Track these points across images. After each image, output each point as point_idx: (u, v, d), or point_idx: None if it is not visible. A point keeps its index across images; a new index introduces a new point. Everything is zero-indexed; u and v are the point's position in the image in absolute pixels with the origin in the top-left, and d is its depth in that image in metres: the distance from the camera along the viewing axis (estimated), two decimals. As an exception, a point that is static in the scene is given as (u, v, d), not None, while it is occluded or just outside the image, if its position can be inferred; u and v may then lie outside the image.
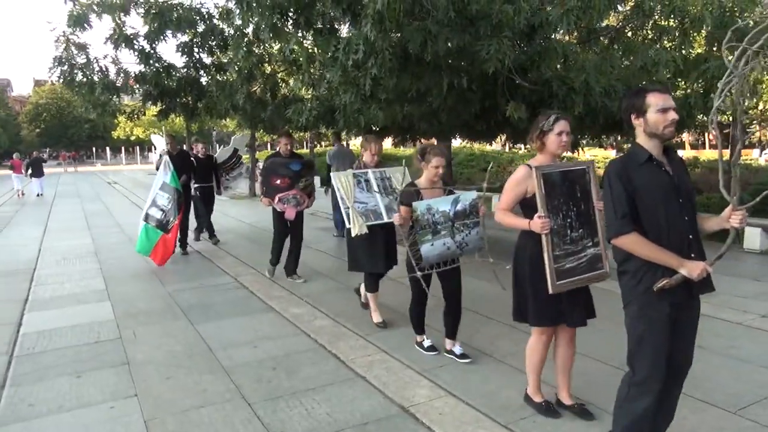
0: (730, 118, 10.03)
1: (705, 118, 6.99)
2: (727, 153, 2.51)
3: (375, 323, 4.80)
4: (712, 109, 2.20)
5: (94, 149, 63.22)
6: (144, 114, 9.90)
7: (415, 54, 5.23)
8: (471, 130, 8.47)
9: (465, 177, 17.87)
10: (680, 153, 3.88)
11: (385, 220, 4.58)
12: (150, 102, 8.91)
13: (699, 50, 7.34)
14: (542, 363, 3.18)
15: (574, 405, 3.16)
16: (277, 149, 6.38)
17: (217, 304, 5.61)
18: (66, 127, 59.25)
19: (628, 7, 6.88)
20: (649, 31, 6.90)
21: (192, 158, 8.83)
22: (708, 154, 21.08)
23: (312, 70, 6.42)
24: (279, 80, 8.74)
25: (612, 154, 23.30)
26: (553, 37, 6.11)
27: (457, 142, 18.72)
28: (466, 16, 5.18)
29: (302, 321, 4.99)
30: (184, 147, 11.98)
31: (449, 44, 5.30)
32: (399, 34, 5.26)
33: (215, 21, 8.28)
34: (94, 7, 7.39)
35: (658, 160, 2.35)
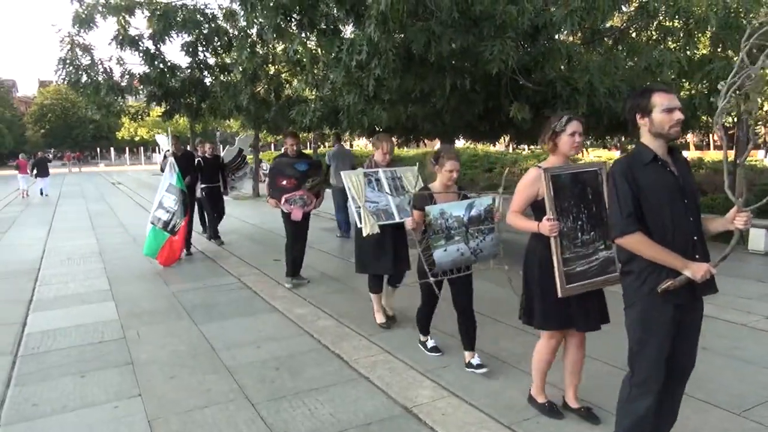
0: (735, 119, 9.99)
1: (709, 119, 6.96)
2: (732, 154, 2.50)
3: (378, 324, 4.80)
4: (717, 110, 2.19)
5: (98, 150, 63.47)
6: (148, 115, 9.92)
7: (418, 55, 5.23)
8: (474, 131, 8.48)
9: (468, 178, 17.84)
10: (685, 154, 3.86)
11: (397, 220, 4.51)
12: (154, 103, 8.93)
13: (704, 51, 7.32)
14: (548, 366, 3.16)
15: (581, 408, 3.15)
16: (284, 149, 6.27)
17: (220, 305, 5.62)
18: (71, 127, 59.52)
19: (632, 8, 6.86)
20: (653, 32, 6.88)
21: (199, 158, 8.85)
22: (712, 155, 20.98)
23: (315, 71, 6.43)
24: (283, 81, 8.76)
25: (616, 155, 23.23)
26: (557, 37, 6.11)
27: (460, 143, 18.72)
28: (469, 17, 5.18)
29: (306, 321, 5.00)
30: (189, 148, 11.99)
31: (453, 45, 5.30)
32: (402, 35, 5.26)
33: (219, 22, 8.29)
34: (99, 8, 7.41)
35: (663, 160, 2.34)
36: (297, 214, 5.96)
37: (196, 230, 9.01)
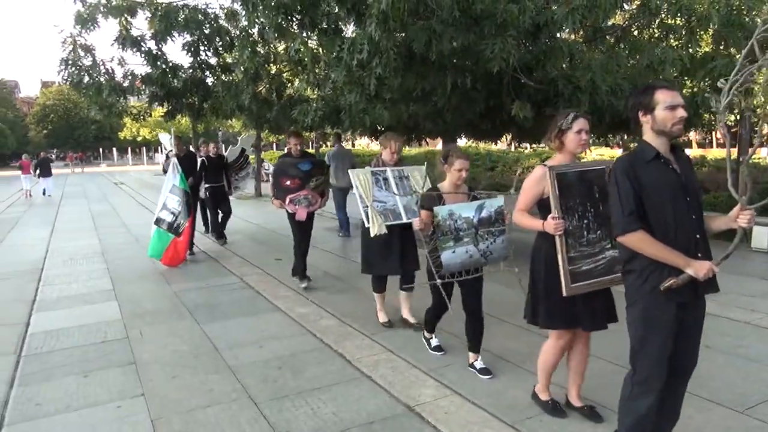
0: (738, 117, 9.97)
1: (712, 117, 6.95)
2: (734, 151, 2.49)
3: (381, 323, 4.80)
4: (720, 107, 2.18)
5: (101, 150, 63.59)
6: (150, 115, 9.93)
7: (419, 53, 5.23)
8: (476, 130, 8.47)
9: (470, 177, 17.83)
10: (687, 152, 3.84)
11: (405, 220, 4.42)
12: (156, 103, 8.94)
13: (706, 49, 7.30)
14: (555, 366, 3.14)
15: (584, 407, 3.14)
16: (288, 149, 6.20)
17: (223, 304, 5.63)
18: (73, 128, 59.64)
19: (634, 6, 6.86)
20: (655, 30, 6.86)
21: (203, 158, 8.86)
22: (715, 153, 20.95)
23: (317, 70, 6.43)
24: (284, 80, 8.76)
25: (618, 153, 23.20)
26: (558, 36, 6.10)
27: (462, 142, 18.69)
28: (470, 16, 5.18)
29: (308, 321, 5.00)
30: (191, 148, 12.00)
31: (454, 43, 5.29)
32: (403, 34, 5.26)
33: (221, 22, 8.30)
34: (101, 8, 7.43)
35: (665, 157, 2.33)
36: (302, 214, 5.89)
37: (198, 230, 9.03)
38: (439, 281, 3.49)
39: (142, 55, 8.11)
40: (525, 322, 3.19)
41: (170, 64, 8.39)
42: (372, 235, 4.38)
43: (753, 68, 2.20)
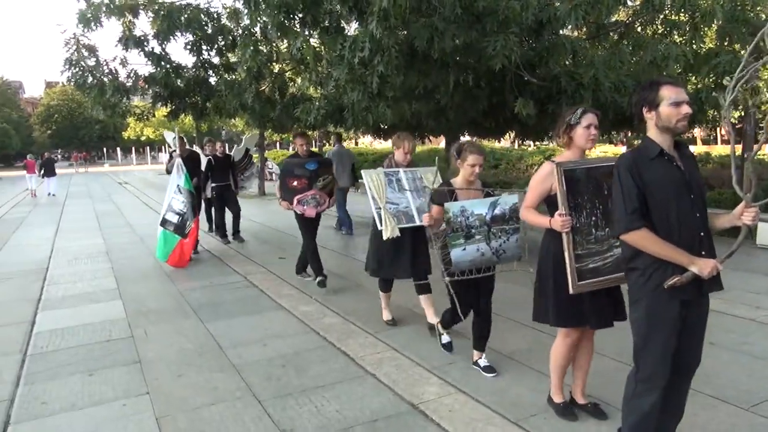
0: (743, 113, 9.93)
1: (716, 114, 6.92)
2: (739, 148, 2.48)
3: (384, 321, 4.79)
4: (726, 104, 2.16)
5: (104, 150, 63.79)
6: (153, 115, 9.96)
7: (421, 51, 5.23)
8: (479, 127, 8.46)
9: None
10: (692, 148, 3.83)
11: (418, 223, 4.29)
12: (160, 103, 8.96)
13: (710, 45, 7.26)
14: (567, 365, 3.10)
15: (588, 404, 3.13)
16: (294, 150, 6.09)
17: (227, 303, 5.64)
18: (77, 128, 59.83)
19: (637, 2, 6.83)
20: (659, 26, 6.83)
21: (210, 158, 8.85)
22: (720, 150, 20.85)
23: (319, 69, 6.43)
24: (287, 79, 8.77)
25: (622, 150, 23.13)
26: (561, 32, 6.08)
27: (465, 140, 18.64)
28: (472, 13, 5.17)
29: (312, 319, 5.01)
30: (195, 147, 12.00)
31: (456, 41, 5.29)
32: (405, 32, 5.25)
33: (224, 21, 8.31)
34: (104, 8, 7.44)
35: (669, 154, 2.31)
36: (311, 212, 5.77)
37: (202, 228, 9.04)
38: (447, 279, 3.43)
39: (146, 56, 8.13)
40: (529, 320, 3.17)
41: (173, 65, 8.40)
42: (385, 237, 4.25)
43: (758, 65, 2.19)
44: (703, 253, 2.26)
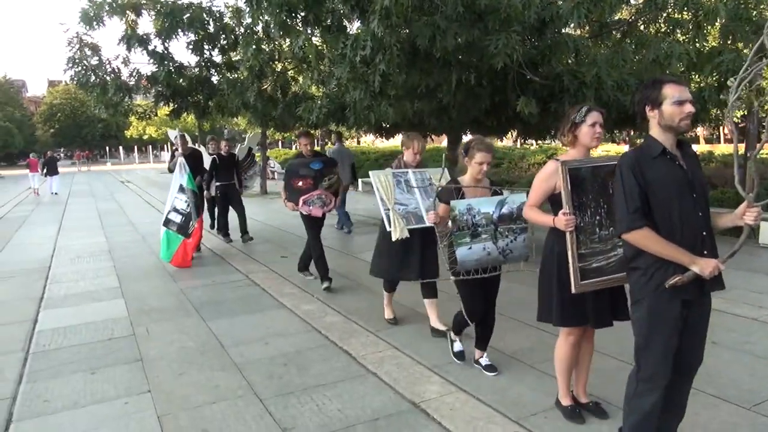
0: (746, 112, 9.90)
1: (719, 113, 6.90)
2: (742, 147, 2.47)
3: (386, 319, 4.79)
4: (729, 103, 2.15)
5: (107, 148, 63.92)
6: (156, 114, 9.96)
7: (423, 50, 5.21)
8: (481, 126, 8.43)
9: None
10: (695, 147, 3.80)
11: (427, 224, 4.17)
12: (162, 102, 8.96)
13: (713, 43, 7.24)
14: (572, 366, 3.08)
15: (589, 403, 3.12)
16: (299, 149, 6.11)
17: (228, 301, 5.65)
18: (80, 126, 59.97)
19: (640, 0, 6.81)
20: (662, 24, 6.81)
21: (215, 157, 8.84)
22: (723, 149, 20.77)
23: (321, 67, 6.42)
24: (289, 78, 8.76)
25: (625, 149, 23.08)
26: (564, 31, 6.06)
27: (467, 139, 18.63)
28: (474, 11, 5.16)
29: (313, 318, 5.01)
30: (197, 146, 12.02)
31: (458, 39, 5.27)
32: (407, 30, 5.24)
33: (226, 20, 8.31)
34: (106, 7, 7.45)
35: (671, 153, 2.30)
36: (317, 212, 5.74)
37: (205, 228, 9.05)
38: (452, 278, 3.39)
39: (149, 55, 8.13)
40: (533, 319, 3.16)
41: (176, 64, 8.40)
42: (393, 239, 4.19)
43: (762, 65, 2.17)
44: (705, 252, 2.25)
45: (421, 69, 5.79)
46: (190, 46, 8.36)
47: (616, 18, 7.21)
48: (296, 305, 5.41)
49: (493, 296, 3.65)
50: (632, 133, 10.29)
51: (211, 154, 9.12)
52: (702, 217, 2.29)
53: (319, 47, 6.09)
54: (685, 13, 6.28)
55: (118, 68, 8.13)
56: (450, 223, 3.34)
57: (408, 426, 3.08)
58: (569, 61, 6.24)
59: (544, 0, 5.44)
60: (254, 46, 6.58)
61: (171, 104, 8.98)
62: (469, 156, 3.49)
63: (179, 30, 7.84)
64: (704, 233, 2.29)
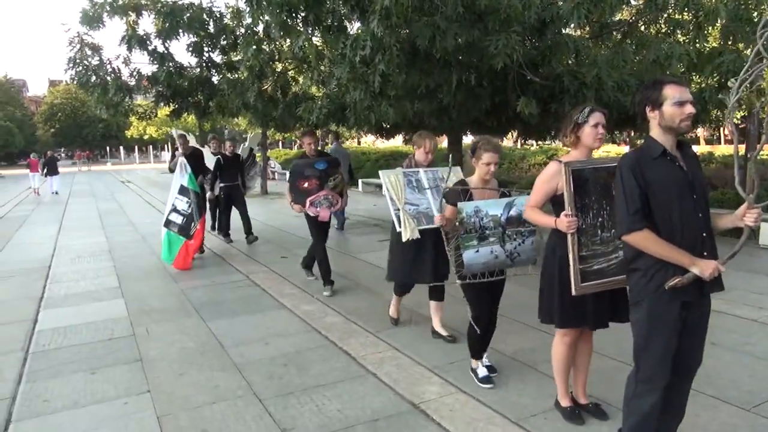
0: (746, 113, 9.90)
1: (720, 114, 6.90)
2: (742, 148, 2.47)
3: (390, 316, 4.77)
4: (729, 105, 2.15)
5: (108, 148, 63.94)
6: (156, 115, 9.96)
7: (423, 50, 5.22)
8: (482, 127, 8.44)
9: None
10: (695, 148, 3.79)
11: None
12: (163, 103, 8.96)
13: (714, 44, 7.24)
14: (569, 367, 3.07)
15: (589, 404, 3.12)
16: (299, 148, 6.12)
17: (229, 302, 5.65)
18: (80, 126, 59.97)
19: (641, 1, 6.81)
20: (662, 25, 6.82)
21: (219, 157, 8.81)
22: (723, 150, 20.78)
23: (322, 68, 6.42)
24: (289, 78, 8.77)
25: (625, 149, 23.08)
26: (564, 31, 6.06)
27: (468, 139, 18.65)
28: (474, 12, 5.17)
29: (313, 318, 5.01)
30: (197, 144, 11.99)
31: (458, 40, 5.28)
32: (407, 30, 5.25)
33: (226, 20, 8.32)
34: (107, 7, 7.46)
35: (672, 154, 2.30)
36: (324, 215, 5.67)
37: (207, 228, 9.04)
38: (458, 282, 3.35)
39: (149, 55, 8.14)
40: (535, 322, 3.15)
41: (176, 64, 8.41)
42: (404, 239, 4.09)
43: (763, 66, 2.17)
44: (706, 253, 2.25)
45: (421, 69, 5.80)
46: (190, 48, 8.37)
47: (617, 18, 7.21)
48: (296, 306, 5.41)
49: (496, 305, 3.61)
50: (632, 133, 10.29)
51: (213, 154, 9.09)
52: (702, 218, 2.29)
53: (320, 47, 6.10)
54: (685, 13, 6.29)
55: (119, 68, 8.15)
56: (457, 225, 3.30)
57: (408, 427, 3.08)
58: (569, 62, 6.25)
59: (545, 0, 5.44)
60: (254, 47, 6.58)
61: (171, 104, 8.99)
62: (476, 156, 3.42)
63: (180, 30, 7.84)
64: (704, 234, 2.28)
